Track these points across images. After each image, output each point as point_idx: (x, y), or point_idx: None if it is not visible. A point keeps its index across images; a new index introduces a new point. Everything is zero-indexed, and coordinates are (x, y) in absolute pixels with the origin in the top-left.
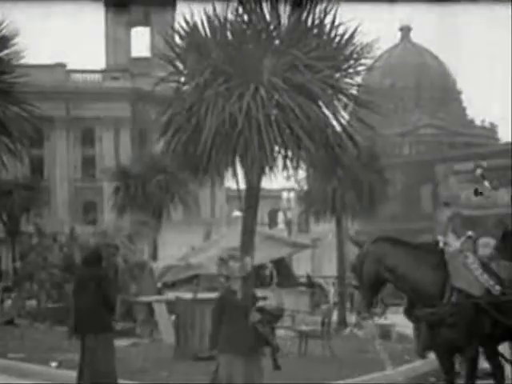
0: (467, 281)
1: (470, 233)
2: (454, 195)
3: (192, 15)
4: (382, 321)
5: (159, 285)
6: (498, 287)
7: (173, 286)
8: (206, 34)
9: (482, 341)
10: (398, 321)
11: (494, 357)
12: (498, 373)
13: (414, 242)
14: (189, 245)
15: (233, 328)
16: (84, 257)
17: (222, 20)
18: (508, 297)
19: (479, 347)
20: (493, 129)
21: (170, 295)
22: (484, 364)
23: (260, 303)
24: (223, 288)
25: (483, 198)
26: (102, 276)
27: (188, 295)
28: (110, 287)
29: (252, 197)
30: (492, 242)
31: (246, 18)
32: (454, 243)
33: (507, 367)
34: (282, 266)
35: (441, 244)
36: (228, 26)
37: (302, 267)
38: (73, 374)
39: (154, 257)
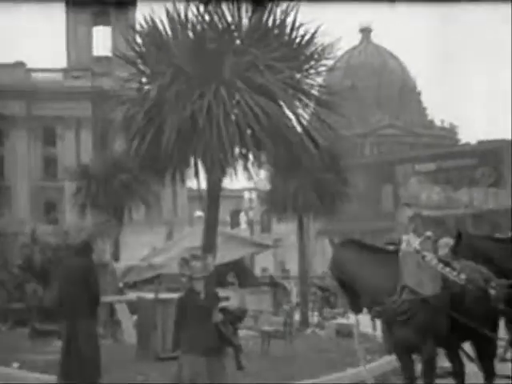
0: (418, 280)
1: (428, 233)
2: (415, 195)
3: (153, 15)
4: (343, 320)
5: (121, 285)
6: (463, 276)
7: (134, 285)
8: (166, 34)
9: (440, 340)
10: (360, 320)
11: (454, 356)
12: (458, 372)
13: (376, 244)
14: (151, 245)
15: (195, 328)
16: (76, 247)
17: (183, 20)
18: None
19: (437, 346)
20: (452, 129)
21: (132, 295)
22: (445, 363)
23: (223, 303)
24: (185, 288)
25: (444, 199)
26: (91, 266)
27: (150, 295)
28: (96, 277)
29: (214, 197)
30: (451, 241)
31: (206, 17)
32: (415, 243)
33: (468, 366)
34: (241, 267)
35: (403, 244)
36: (189, 25)
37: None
38: (34, 376)
39: (116, 257)
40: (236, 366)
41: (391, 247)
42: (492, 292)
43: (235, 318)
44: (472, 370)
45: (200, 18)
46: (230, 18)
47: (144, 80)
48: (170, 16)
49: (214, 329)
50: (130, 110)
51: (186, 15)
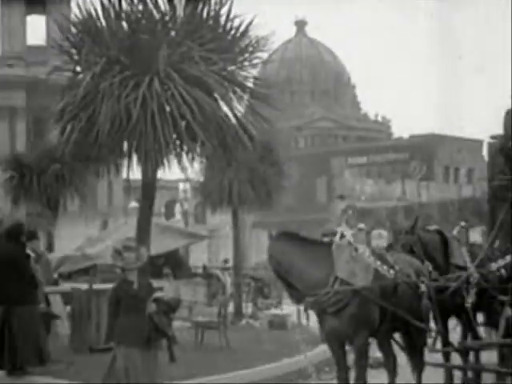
0: (350, 271)
1: (361, 225)
2: (348, 188)
3: (87, 4)
4: (277, 311)
5: (55, 275)
6: (392, 271)
7: (69, 277)
8: (101, 24)
9: (372, 330)
10: (295, 311)
11: (385, 346)
12: (390, 362)
13: (312, 235)
14: (85, 235)
15: (129, 319)
16: (7, 229)
17: (117, 10)
18: (385, 282)
19: (369, 337)
20: (386, 123)
21: (66, 286)
22: (377, 353)
23: (157, 294)
24: (119, 279)
25: (376, 191)
26: (21, 249)
27: (84, 286)
28: (27, 260)
29: (148, 188)
30: (384, 233)
31: (141, 7)
32: (348, 235)
33: (400, 356)
34: (176, 258)
35: (337, 235)
36: (123, 15)
37: (198, 258)
38: None
39: (50, 248)
40: (169, 358)
41: (326, 239)
42: (422, 287)
43: (169, 308)
44: (404, 360)
45: (134, 8)
46: (164, 9)
47: (78, 69)
48: (104, 6)
49: (147, 319)
50: (64, 99)
51: (120, 5)
